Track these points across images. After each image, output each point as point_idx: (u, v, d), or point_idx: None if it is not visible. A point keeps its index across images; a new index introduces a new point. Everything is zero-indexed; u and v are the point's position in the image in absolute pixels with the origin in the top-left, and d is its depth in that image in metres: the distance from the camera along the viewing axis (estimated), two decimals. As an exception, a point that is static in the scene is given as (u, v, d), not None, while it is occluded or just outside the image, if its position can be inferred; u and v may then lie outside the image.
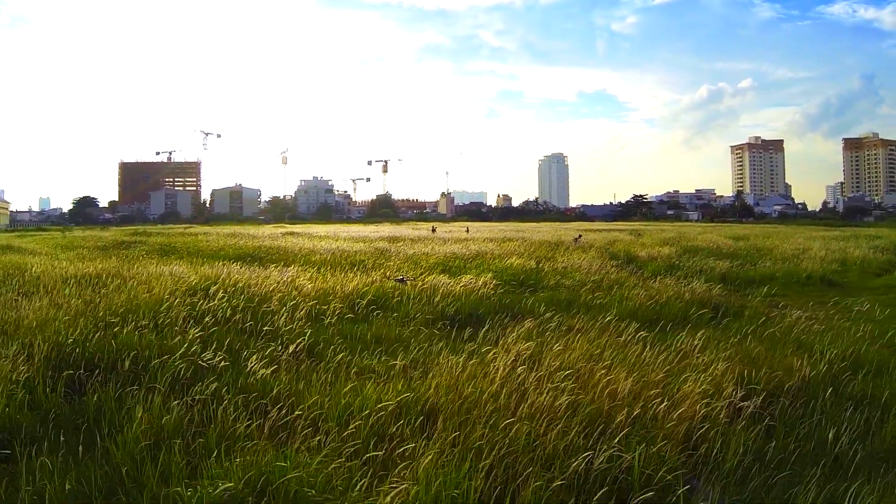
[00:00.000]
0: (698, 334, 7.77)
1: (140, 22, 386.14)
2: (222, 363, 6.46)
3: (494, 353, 6.56)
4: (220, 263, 16.02)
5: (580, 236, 32.45)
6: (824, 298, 12.41)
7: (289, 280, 12.01)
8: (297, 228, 52.39)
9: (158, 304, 9.00)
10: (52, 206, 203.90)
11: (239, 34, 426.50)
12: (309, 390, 5.70)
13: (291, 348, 7.00)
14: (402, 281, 12.60)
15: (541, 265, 16.86)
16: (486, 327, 8.17)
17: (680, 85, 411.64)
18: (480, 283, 12.19)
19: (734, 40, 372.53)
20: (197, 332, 7.45)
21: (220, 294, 9.78)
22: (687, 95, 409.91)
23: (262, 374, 6.09)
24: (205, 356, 6.56)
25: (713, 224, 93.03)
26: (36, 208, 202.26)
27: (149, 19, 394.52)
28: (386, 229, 49.56)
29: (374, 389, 5.59)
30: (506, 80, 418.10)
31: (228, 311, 8.79)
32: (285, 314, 8.63)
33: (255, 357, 6.57)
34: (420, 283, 12.18)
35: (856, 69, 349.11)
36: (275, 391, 5.71)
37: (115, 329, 7.54)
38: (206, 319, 8.35)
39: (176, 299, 9.20)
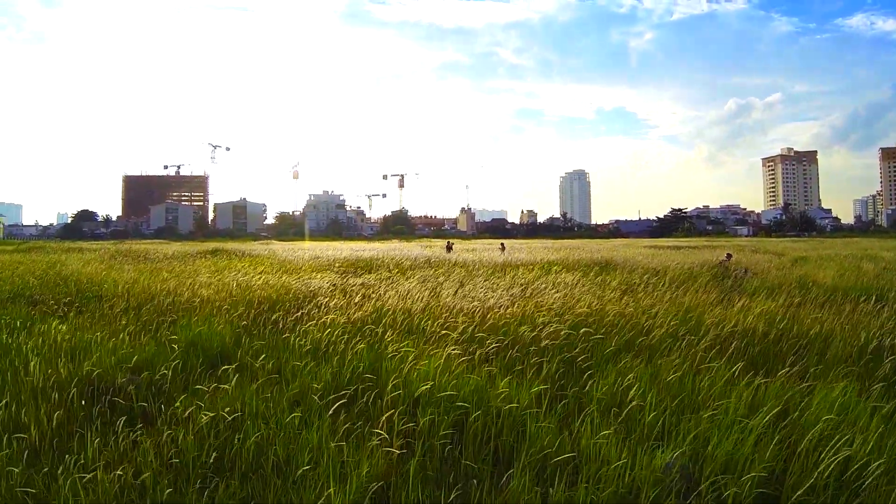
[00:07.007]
0: None
1: (157, 35, 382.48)
2: None
3: None
4: None
5: (730, 256, 18.01)
6: None
7: None
8: (254, 247, 37.49)
9: None
10: (68, 221, 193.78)
11: (254, 48, 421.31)
12: None
13: None
14: None
15: None
16: None
17: (697, 101, 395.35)
18: None
19: (751, 55, 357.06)
20: None
21: None
22: (709, 111, 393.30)
23: None
24: None
25: (786, 239, 76.39)
26: (45, 223, 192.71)
27: (167, 32, 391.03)
28: (385, 248, 34.91)
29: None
30: (525, 98, 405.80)
31: None
32: None
33: None
34: None
35: (878, 81, 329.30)
36: None
37: None
38: None
39: None
